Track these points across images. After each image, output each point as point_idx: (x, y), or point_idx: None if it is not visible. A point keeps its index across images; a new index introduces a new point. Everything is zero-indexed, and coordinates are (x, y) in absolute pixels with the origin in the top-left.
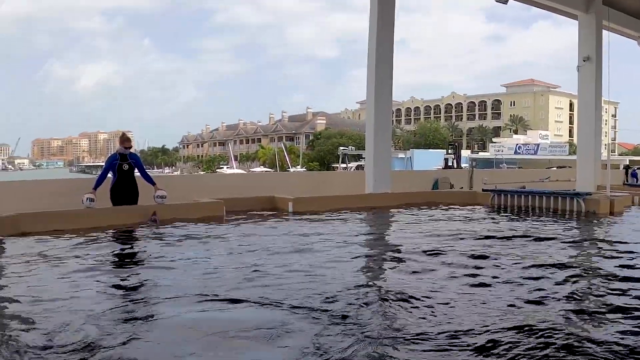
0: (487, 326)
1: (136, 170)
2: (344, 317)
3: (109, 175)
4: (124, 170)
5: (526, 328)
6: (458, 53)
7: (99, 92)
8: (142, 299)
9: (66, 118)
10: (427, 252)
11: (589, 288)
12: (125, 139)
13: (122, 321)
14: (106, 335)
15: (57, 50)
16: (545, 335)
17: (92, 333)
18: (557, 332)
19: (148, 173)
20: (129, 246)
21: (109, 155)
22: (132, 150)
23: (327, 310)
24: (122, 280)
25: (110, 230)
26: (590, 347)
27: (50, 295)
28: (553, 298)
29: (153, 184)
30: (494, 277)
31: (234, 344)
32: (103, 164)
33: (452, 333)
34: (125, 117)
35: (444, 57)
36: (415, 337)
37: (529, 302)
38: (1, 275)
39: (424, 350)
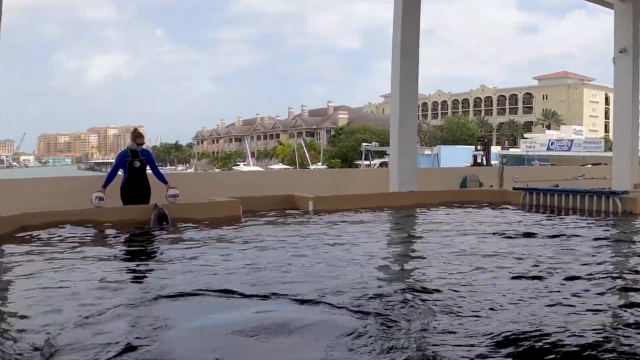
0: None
1: (148, 168)
2: (387, 316)
3: (119, 172)
4: (136, 168)
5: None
6: (488, 44)
7: (109, 85)
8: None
9: (74, 112)
10: (459, 253)
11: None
12: (137, 135)
13: (159, 323)
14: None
15: (64, 41)
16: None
17: (131, 338)
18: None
19: (160, 171)
20: (146, 246)
21: (120, 151)
22: (144, 146)
23: (366, 311)
24: (149, 282)
25: (121, 230)
26: None
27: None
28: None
29: (165, 182)
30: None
31: (279, 343)
32: (113, 160)
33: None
34: (136, 112)
35: (473, 48)
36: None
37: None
38: (3, 278)
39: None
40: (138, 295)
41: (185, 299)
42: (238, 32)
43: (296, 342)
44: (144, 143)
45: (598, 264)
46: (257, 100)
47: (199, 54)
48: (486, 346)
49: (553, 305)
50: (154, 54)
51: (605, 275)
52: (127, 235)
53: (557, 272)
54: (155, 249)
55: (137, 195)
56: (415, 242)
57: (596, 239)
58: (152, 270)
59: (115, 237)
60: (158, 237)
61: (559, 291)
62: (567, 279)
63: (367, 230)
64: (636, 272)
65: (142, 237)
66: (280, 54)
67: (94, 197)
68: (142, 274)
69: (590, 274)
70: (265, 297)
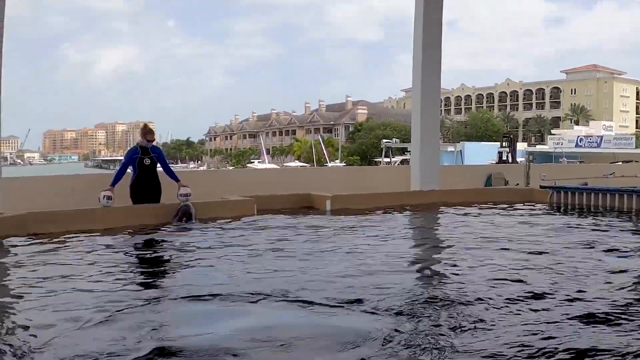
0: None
1: (158, 165)
2: (417, 318)
3: (129, 170)
4: (146, 165)
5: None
6: (514, 36)
7: (118, 79)
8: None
9: (81, 107)
10: (486, 258)
11: None
12: (147, 131)
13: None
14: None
15: (71, 32)
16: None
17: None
18: None
19: (171, 168)
20: (160, 249)
21: (129, 148)
22: (154, 143)
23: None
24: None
25: (131, 231)
26: None
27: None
28: None
29: (177, 180)
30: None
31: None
32: (122, 157)
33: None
34: (146, 107)
35: (498, 40)
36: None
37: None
38: (8, 281)
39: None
40: (154, 297)
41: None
42: (253, 24)
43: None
44: (154, 139)
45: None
46: (273, 94)
47: (212, 46)
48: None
49: None
50: (165, 47)
51: None
52: (136, 237)
53: None
54: (164, 252)
55: (148, 194)
56: (438, 245)
57: None
58: (166, 273)
59: (124, 239)
60: (169, 238)
61: None
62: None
63: (387, 232)
64: None
65: (152, 239)
66: (297, 46)
67: (102, 196)
68: (154, 278)
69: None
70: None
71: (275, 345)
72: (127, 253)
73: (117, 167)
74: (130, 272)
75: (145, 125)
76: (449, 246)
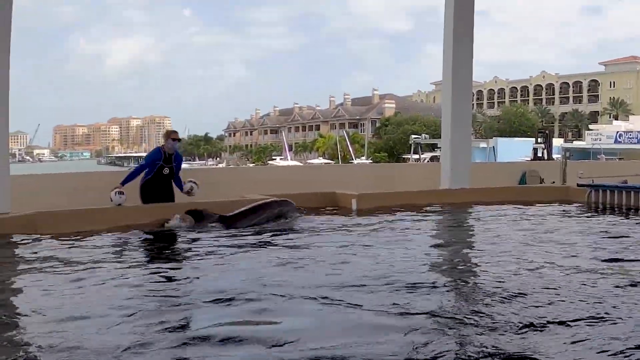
0: None
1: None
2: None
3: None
4: (164, 175)
5: None
6: (549, 26)
7: (132, 71)
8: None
9: (93, 101)
10: (524, 266)
11: None
12: (171, 132)
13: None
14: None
15: (82, 22)
16: None
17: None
18: None
19: (180, 179)
20: (171, 249)
21: (153, 149)
22: (178, 146)
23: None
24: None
25: (143, 230)
26: None
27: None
28: None
29: (181, 190)
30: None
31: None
32: (136, 154)
33: None
34: (161, 100)
35: (533, 30)
36: None
37: None
38: (14, 285)
39: None
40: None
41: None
42: (274, 13)
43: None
44: (180, 139)
45: None
46: (295, 87)
47: (231, 36)
48: None
49: None
50: (181, 37)
51: None
52: (147, 238)
53: None
54: (189, 252)
55: (159, 200)
56: (464, 248)
57: None
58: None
59: (140, 240)
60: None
61: None
62: None
63: (416, 234)
64: None
65: (164, 241)
66: (321, 37)
67: (114, 192)
68: (174, 278)
69: None
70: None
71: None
72: (142, 251)
73: (134, 166)
74: (147, 272)
75: (167, 130)
76: (474, 249)
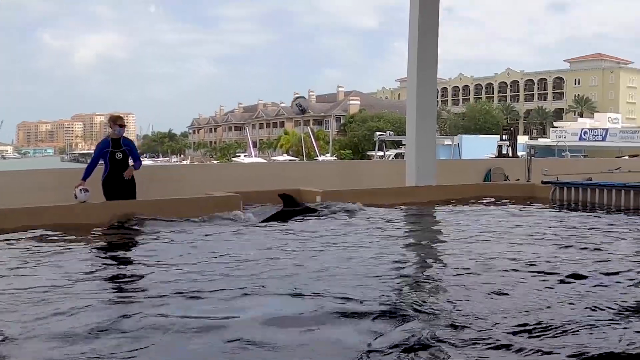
0: None
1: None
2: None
3: (101, 163)
4: (118, 160)
5: None
6: (516, 23)
7: (99, 67)
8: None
9: (57, 98)
10: (480, 261)
11: None
12: (116, 117)
13: None
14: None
15: (49, 17)
16: None
17: None
18: None
19: (142, 163)
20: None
21: (100, 141)
22: (124, 132)
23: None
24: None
25: (105, 228)
26: None
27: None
28: None
29: (134, 168)
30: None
31: None
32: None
33: None
34: (127, 97)
35: (497, 27)
36: None
37: None
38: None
39: None
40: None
41: None
42: (243, 9)
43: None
44: (125, 124)
45: None
46: (263, 84)
47: (199, 33)
48: None
49: None
50: (149, 33)
51: None
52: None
53: None
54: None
55: (122, 190)
56: (428, 244)
57: None
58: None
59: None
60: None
61: None
62: None
63: (380, 231)
64: None
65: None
66: (289, 33)
67: (79, 189)
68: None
69: None
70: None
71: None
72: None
73: (88, 161)
74: (101, 270)
75: (111, 115)
76: (439, 245)
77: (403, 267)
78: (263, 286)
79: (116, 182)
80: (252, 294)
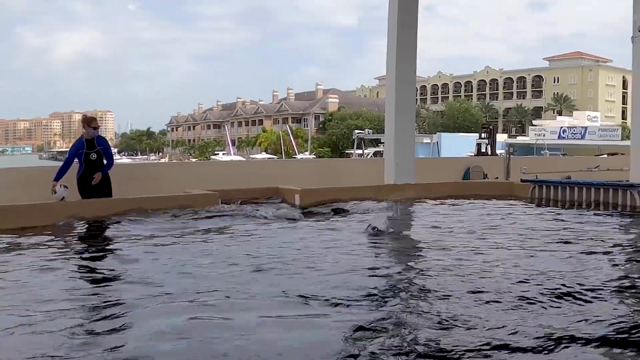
0: None
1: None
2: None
3: (75, 161)
4: (92, 160)
5: None
6: (495, 21)
7: (77, 65)
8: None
9: (36, 95)
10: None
11: None
12: (90, 119)
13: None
14: None
15: (28, 14)
16: None
17: None
18: None
19: (114, 162)
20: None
21: (75, 141)
22: (99, 132)
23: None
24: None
25: (83, 225)
26: None
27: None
28: None
29: (103, 173)
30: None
31: None
32: None
33: None
34: (106, 94)
35: (477, 25)
36: None
37: None
38: None
39: None
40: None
41: None
42: (222, 7)
43: None
44: (99, 125)
45: None
46: (242, 82)
47: (178, 31)
48: None
49: None
50: (128, 31)
51: None
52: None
53: None
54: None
55: (97, 190)
56: (409, 243)
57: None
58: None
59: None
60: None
61: None
62: None
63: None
64: None
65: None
66: (269, 31)
67: (59, 186)
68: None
69: None
70: None
71: None
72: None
73: (62, 161)
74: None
75: (85, 115)
76: (415, 242)
77: (378, 268)
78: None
79: (91, 181)
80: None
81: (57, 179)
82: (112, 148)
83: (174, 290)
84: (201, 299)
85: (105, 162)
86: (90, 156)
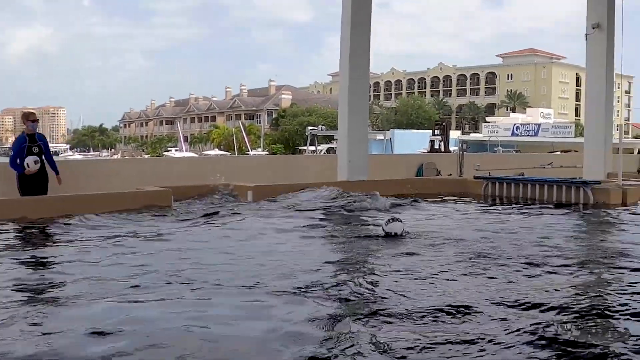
0: None
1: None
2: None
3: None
4: (35, 154)
5: None
6: (450, 18)
7: (30, 61)
8: None
9: None
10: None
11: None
12: (28, 114)
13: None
14: None
15: None
16: None
17: None
18: None
19: (54, 159)
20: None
21: (16, 138)
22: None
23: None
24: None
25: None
26: None
27: None
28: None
29: (57, 173)
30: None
31: None
32: None
33: None
34: (58, 91)
35: (431, 22)
36: None
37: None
38: None
39: None
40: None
41: None
42: (175, 3)
43: None
44: (37, 119)
45: None
46: (195, 78)
47: (131, 27)
48: None
49: None
50: (81, 27)
51: None
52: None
53: None
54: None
55: (37, 185)
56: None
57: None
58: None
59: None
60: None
61: None
62: None
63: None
64: None
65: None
66: (222, 27)
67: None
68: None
69: None
70: None
71: None
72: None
73: (9, 160)
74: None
75: (23, 112)
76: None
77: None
78: None
79: (33, 177)
80: None
81: (20, 172)
82: (64, 144)
83: None
84: None
85: (44, 157)
86: (32, 149)
